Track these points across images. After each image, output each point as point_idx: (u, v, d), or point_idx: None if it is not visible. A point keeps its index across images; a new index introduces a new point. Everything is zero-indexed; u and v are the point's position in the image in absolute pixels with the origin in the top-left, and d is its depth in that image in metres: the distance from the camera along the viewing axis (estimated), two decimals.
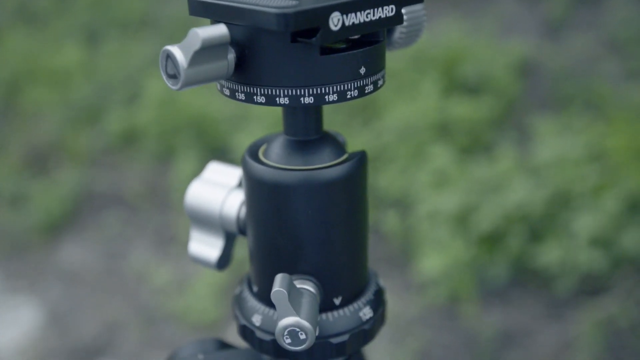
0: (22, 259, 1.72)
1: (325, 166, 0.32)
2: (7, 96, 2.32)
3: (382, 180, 1.57)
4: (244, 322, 0.34)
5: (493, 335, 1.26)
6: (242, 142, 1.70)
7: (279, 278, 0.30)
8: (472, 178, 1.47)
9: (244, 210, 0.35)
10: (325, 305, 0.33)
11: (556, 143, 1.47)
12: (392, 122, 1.69)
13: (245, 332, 0.34)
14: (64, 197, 1.85)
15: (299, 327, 0.29)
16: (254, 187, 0.32)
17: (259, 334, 0.33)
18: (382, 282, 0.37)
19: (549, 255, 1.28)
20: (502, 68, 1.80)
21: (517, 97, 1.78)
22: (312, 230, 0.32)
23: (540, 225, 1.35)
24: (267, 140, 0.35)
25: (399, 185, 1.56)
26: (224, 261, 0.37)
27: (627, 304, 1.24)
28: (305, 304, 0.30)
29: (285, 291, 0.29)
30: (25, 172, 1.98)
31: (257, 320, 0.34)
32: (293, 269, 0.32)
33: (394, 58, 1.98)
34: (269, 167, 0.32)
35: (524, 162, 1.49)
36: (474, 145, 1.63)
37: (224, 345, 0.38)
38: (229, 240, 0.37)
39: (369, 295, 0.35)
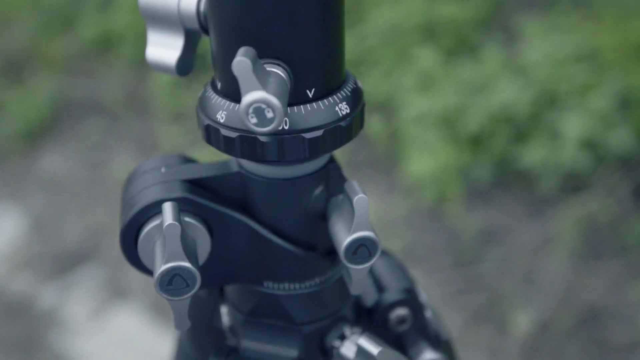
0: (2, 168, 1.70)
1: None
2: None
3: (366, 85, 1.54)
4: (207, 121, 0.31)
5: (475, 234, 1.27)
6: None
7: (241, 49, 0.27)
8: (458, 80, 1.45)
9: (204, 2, 0.31)
10: (297, 97, 0.30)
11: (544, 43, 1.44)
12: (377, 24, 1.64)
13: (209, 132, 0.31)
14: (41, 105, 1.80)
15: (265, 103, 0.26)
16: None
17: (224, 131, 0.30)
18: (360, 84, 0.34)
19: (533, 155, 1.28)
20: None
21: None
22: (279, 3, 0.28)
23: (526, 126, 1.34)
24: None
25: (384, 89, 1.53)
26: (184, 65, 0.33)
27: (608, 201, 1.25)
28: (273, 82, 0.27)
29: (249, 60, 0.26)
30: (0, 80, 1.92)
31: (221, 116, 0.30)
32: (259, 53, 0.29)
33: None
34: None
35: (511, 63, 1.46)
36: (459, 46, 1.59)
37: (189, 161, 0.36)
38: (190, 40, 0.33)
39: (345, 91, 0.32)
